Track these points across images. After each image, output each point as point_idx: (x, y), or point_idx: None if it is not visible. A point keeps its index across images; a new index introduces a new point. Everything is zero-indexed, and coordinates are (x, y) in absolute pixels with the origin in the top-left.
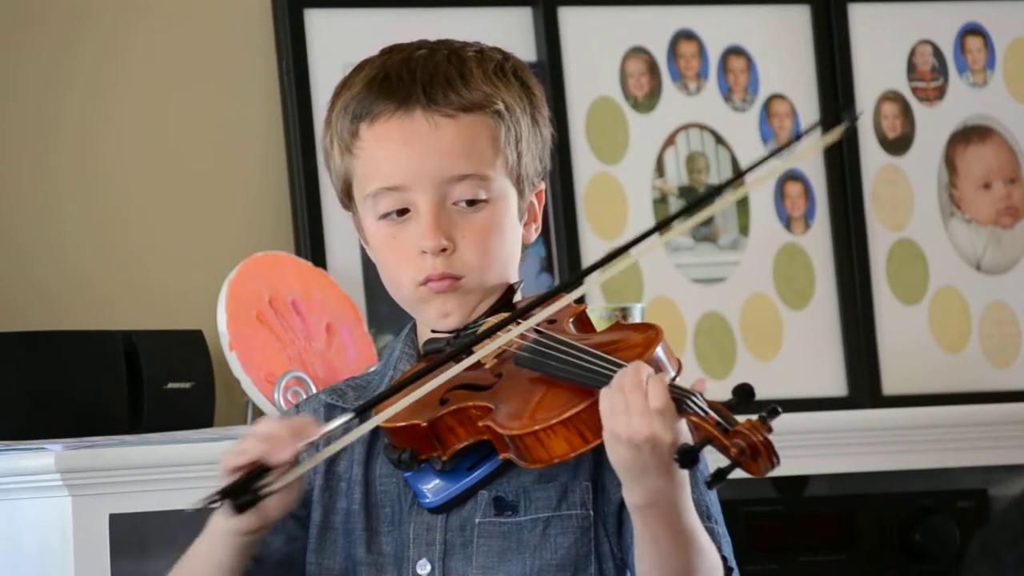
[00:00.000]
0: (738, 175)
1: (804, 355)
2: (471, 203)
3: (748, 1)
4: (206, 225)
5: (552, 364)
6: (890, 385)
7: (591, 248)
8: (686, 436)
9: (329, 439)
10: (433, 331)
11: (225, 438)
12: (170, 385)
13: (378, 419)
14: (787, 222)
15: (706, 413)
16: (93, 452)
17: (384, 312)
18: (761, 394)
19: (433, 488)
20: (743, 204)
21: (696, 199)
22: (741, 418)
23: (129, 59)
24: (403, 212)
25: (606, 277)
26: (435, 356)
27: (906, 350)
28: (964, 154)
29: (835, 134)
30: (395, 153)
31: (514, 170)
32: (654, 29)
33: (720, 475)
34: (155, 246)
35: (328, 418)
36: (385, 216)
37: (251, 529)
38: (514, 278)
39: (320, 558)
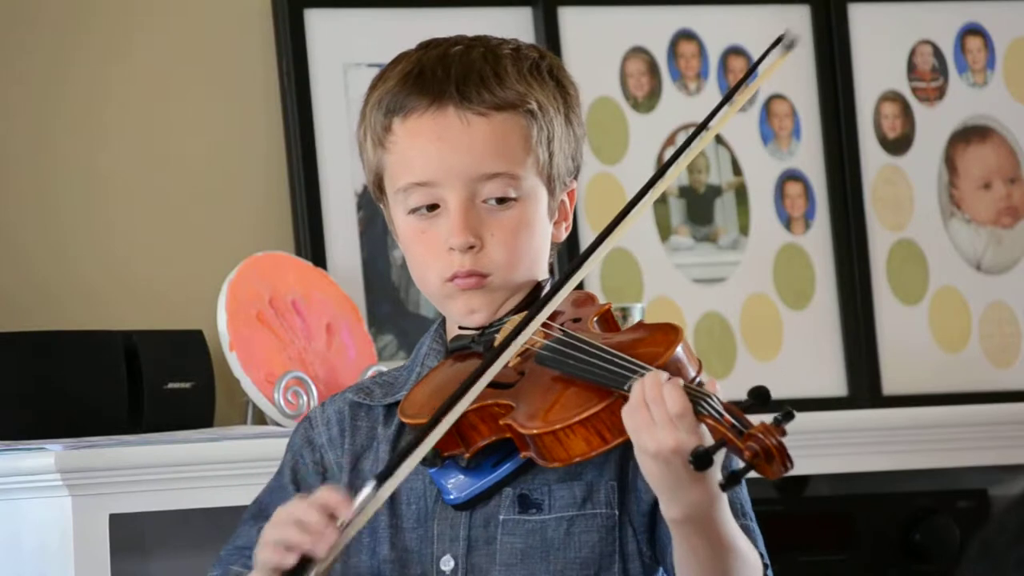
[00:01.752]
0: (706, 120)
1: (804, 355)
2: (500, 201)
3: (748, 1)
4: (206, 225)
5: (571, 363)
6: (890, 385)
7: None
8: (709, 440)
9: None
10: (460, 327)
11: (225, 438)
12: (170, 385)
13: (423, 447)
14: (787, 222)
15: (721, 415)
16: (93, 452)
17: (384, 312)
18: None
19: (457, 485)
20: (743, 204)
21: (670, 159)
22: (755, 420)
23: (129, 59)
24: (433, 208)
25: (603, 255)
26: (462, 353)
27: (906, 350)
28: (964, 154)
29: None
30: (426, 149)
31: (545, 169)
32: (654, 29)
33: (734, 478)
34: (156, 246)
35: (353, 417)
36: (415, 211)
37: None
38: (542, 276)
39: (347, 555)
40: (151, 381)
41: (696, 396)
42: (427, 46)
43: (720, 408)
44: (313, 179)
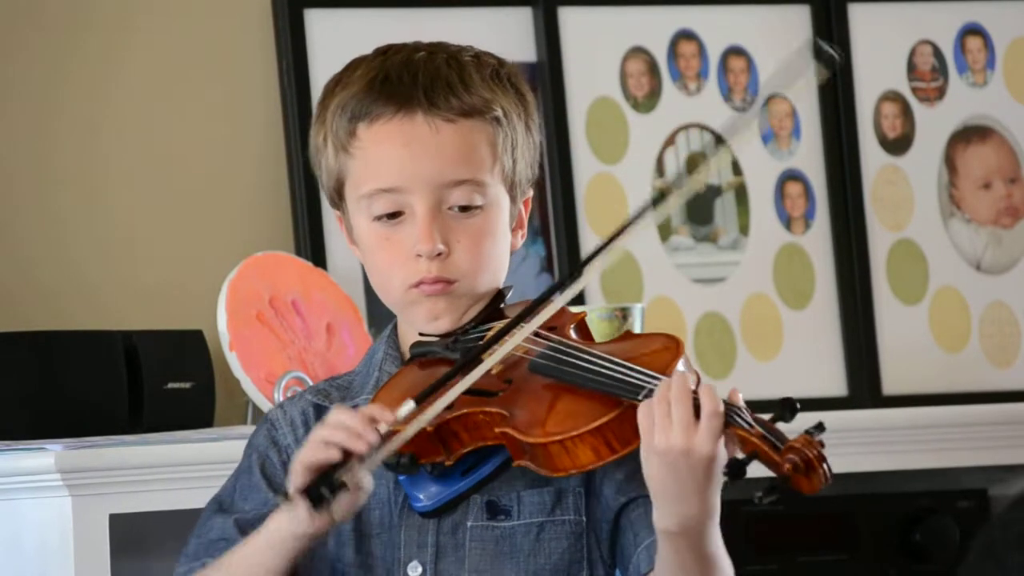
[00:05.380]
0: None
1: (804, 355)
2: (465, 208)
3: (748, 1)
4: (206, 225)
5: (574, 372)
6: (890, 385)
7: (591, 248)
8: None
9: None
10: (421, 334)
11: (225, 438)
12: (170, 385)
13: (422, 420)
14: (787, 222)
15: (751, 426)
16: (93, 452)
17: (384, 312)
18: (761, 394)
19: (427, 492)
20: (743, 204)
21: (665, 186)
22: (785, 432)
23: (129, 59)
24: (395, 215)
25: (597, 270)
26: (427, 359)
27: (906, 350)
28: (964, 154)
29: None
30: (393, 155)
31: (509, 177)
32: (654, 29)
33: (772, 491)
34: (155, 246)
35: (319, 419)
36: (379, 218)
37: (319, 530)
38: (503, 284)
39: (307, 560)
40: (151, 381)
41: (726, 407)
42: (386, 52)
43: (749, 419)
44: (313, 179)
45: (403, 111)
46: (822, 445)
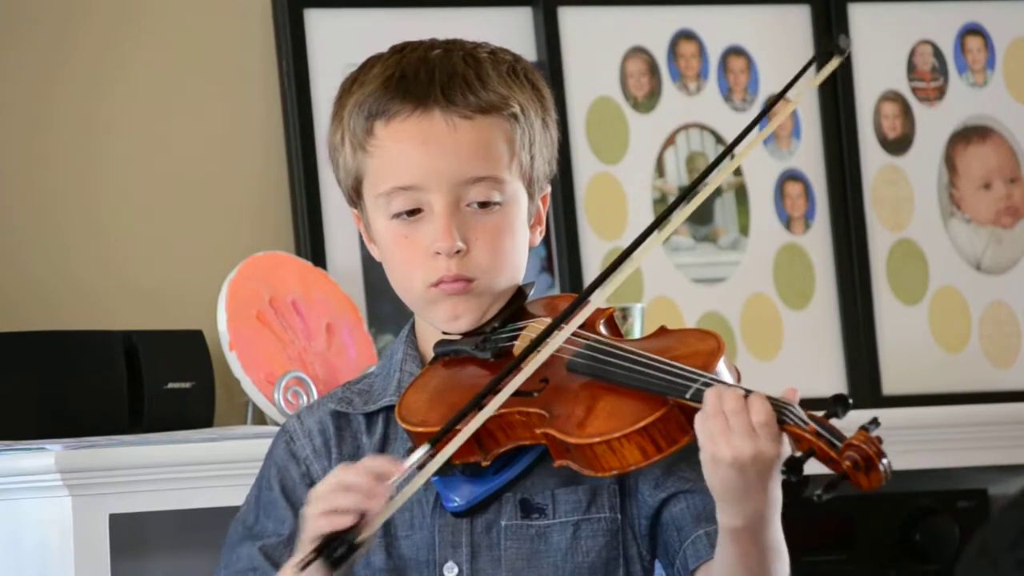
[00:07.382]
0: (728, 148)
1: (804, 355)
2: (483, 205)
3: (748, 1)
4: (206, 225)
5: (615, 371)
6: (890, 385)
7: (591, 248)
8: (787, 449)
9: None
10: (444, 333)
11: (225, 438)
12: (170, 385)
13: (450, 447)
14: (787, 222)
15: (806, 424)
16: (93, 452)
17: (384, 312)
18: None
19: (460, 492)
20: (743, 204)
21: (691, 183)
22: (841, 428)
23: (128, 59)
24: (414, 212)
25: (634, 268)
26: (453, 359)
27: (906, 350)
28: (964, 154)
29: (818, 77)
30: (411, 153)
31: (527, 173)
32: (654, 29)
33: (832, 488)
34: (155, 246)
35: (337, 427)
36: (397, 216)
37: None
38: (522, 280)
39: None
40: (151, 381)
41: (779, 406)
42: (403, 49)
43: (804, 416)
44: (313, 179)
45: (420, 109)
46: (880, 441)
